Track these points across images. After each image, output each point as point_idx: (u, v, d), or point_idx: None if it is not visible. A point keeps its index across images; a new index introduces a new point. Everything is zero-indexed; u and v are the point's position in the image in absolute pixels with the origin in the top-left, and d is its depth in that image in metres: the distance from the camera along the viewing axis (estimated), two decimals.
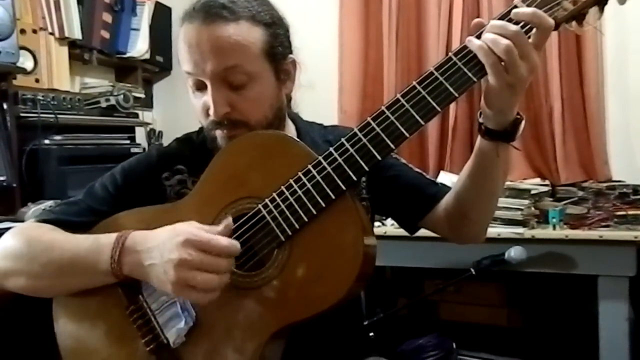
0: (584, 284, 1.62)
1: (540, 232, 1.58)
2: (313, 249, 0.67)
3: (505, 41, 0.60)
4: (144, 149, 2.05)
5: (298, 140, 0.74)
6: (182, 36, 0.75)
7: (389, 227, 1.60)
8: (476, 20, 0.65)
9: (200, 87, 0.76)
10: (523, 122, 0.68)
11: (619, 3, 0.60)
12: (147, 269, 0.68)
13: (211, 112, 0.74)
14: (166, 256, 0.65)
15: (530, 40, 0.61)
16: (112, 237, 0.71)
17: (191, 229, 0.66)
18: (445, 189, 0.85)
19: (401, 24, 2.03)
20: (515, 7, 0.62)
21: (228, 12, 0.72)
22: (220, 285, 0.65)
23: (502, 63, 0.61)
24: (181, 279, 0.64)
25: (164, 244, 0.66)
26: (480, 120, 0.70)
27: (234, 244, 0.66)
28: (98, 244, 0.72)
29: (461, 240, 0.84)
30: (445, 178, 1.73)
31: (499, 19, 0.63)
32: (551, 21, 0.61)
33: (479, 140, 0.72)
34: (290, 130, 0.84)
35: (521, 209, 1.60)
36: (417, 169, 0.89)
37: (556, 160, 1.85)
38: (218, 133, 0.76)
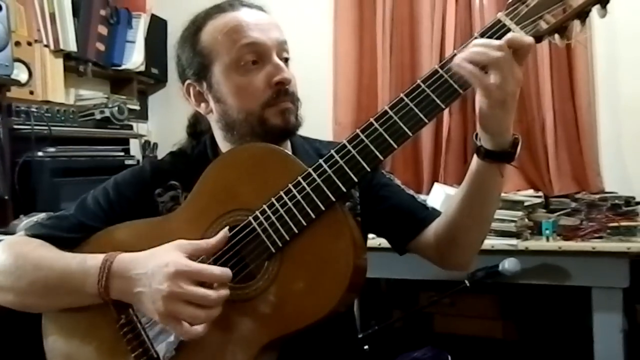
0: (578, 296, 1.62)
1: (534, 244, 1.59)
2: (303, 260, 0.67)
3: (491, 60, 0.61)
4: (138, 161, 2.04)
5: (288, 152, 0.75)
6: (223, 22, 0.77)
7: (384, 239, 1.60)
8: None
9: (261, 58, 0.76)
10: (520, 142, 0.69)
11: (599, 16, 0.61)
12: (136, 296, 0.67)
13: (279, 77, 0.75)
14: (155, 286, 0.65)
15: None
16: (98, 259, 0.71)
17: (181, 258, 0.65)
18: (435, 213, 0.84)
19: (395, 36, 2.05)
20: (499, 21, 0.63)
21: (260, 8, 0.80)
22: (208, 319, 0.64)
23: (491, 82, 0.61)
24: (169, 311, 0.64)
25: (153, 273, 0.65)
26: (479, 143, 0.70)
27: (225, 272, 0.66)
28: (85, 265, 0.71)
29: (448, 266, 0.83)
30: (440, 190, 1.73)
31: (482, 34, 0.64)
32: (528, 40, 0.61)
33: (475, 163, 0.71)
34: (285, 143, 0.84)
35: (515, 221, 1.60)
36: (410, 191, 0.88)
37: (549, 172, 1.86)
38: (275, 110, 0.75)
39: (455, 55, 0.64)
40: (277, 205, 0.68)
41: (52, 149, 1.69)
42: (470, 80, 0.62)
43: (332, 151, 0.67)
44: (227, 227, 0.69)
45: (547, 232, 1.59)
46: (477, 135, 0.70)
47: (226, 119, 0.79)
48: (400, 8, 2.05)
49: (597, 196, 1.68)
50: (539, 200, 1.75)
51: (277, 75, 0.75)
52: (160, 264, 0.65)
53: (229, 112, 0.78)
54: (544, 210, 1.73)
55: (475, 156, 0.71)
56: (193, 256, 0.67)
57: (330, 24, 2.14)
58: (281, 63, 0.77)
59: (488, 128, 0.67)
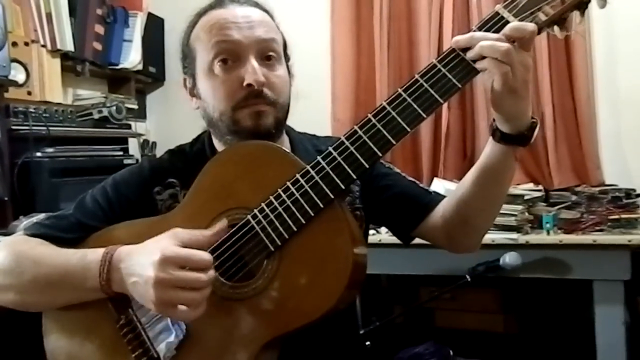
0: (579, 289, 1.62)
1: (535, 238, 1.58)
2: (302, 258, 0.66)
3: (504, 47, 0.60)
4: (137, 160, 2.04)
5: (286, 149, 0.74)
6: (207, 19, 0.77)
7: (384, 234, 1.60)
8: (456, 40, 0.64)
9: (233, 58, 0.74)
10: (537, 125, 0.69)
11: (599, 7, 0.61)
12: (131, 286, 0.67)
13: (250, 79, 0.73)
14: (145, 275, 0.64)
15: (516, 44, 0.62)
16: (99, 253, 0.71)
17: (169, 245, 0.65)
18: (439, 197, 0.84)
19: (392, 32, 2.05)
20: (497, 14, 0.63)
21: (253, 4, 0.79)
22: (203, 300, 0.64)
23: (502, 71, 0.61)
24: (162, 298, 0.63)
25: (143, 262, 0.65)
26: (495, 126, 0.69)
27: (206, 256, 0.65)
28: (85, 260, 0.71)
29: (457, 248, 0.83)
30: (439, 185, 1.73)
31: (480, 27, 0.63)
32: (531, 27, 0.61)
33: (491, 144, 0.71)
34: (284, 140, 0.84)
35: (515, 215, 1.60)
36: (410, 178, 0.88)
37: (549, 165, 1.85)
38: (246, 111, 0.74)
39: (453, 49, 0.64)
40: (275, 203, 0.67)
41: (50, 149, 1.69)
42: (492, 68, 0.61)
43: (330, 148, 0.67)
44: (225, 221, 0.68)
45: (548, 225, 1.59)
46: (494, 119, 0.69)
47: (207, 116, 0.79)
48: (397, 4, 2.04)
49: (598, 189, 1.68)
50: (539, 194, 1.75)
51: (247, 78, 0.74)
52: (149, 252, 0.65)
53: (207, 109, 0.78)
54: (544, 204, 1.73)
55: (490, 138, 0.71)
56: (187, 245, 0.66)
57: (327, 21, 2.13)
58: (255, 64, 0.74)
59: (502, 113, 0.67)
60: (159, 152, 2.31)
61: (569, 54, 1.84)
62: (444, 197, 0.83)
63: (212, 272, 0.65)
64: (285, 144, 0.83)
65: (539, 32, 0.63)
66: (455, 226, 0.79)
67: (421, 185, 0.88)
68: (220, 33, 0.75)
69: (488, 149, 0.72)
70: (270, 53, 0.77)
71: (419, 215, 0.83)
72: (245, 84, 0.74)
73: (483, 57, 0.62)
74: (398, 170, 0.89)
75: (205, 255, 0.65)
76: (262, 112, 0.75)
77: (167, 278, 0.62)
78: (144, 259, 0.65)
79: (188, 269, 0.63)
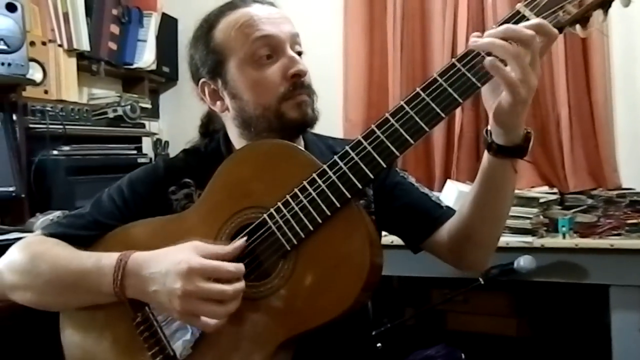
0: (594, 294, 1.59)
1: (550, 241, 1.56)
2: (319, 258, 0.66)
3: (528, 34, 0.59)
4: (151, 159, 2.05)
5: (302, 149, 0.74)
6: (235, 18, 0.77)
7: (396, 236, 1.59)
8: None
9: (275, 52, 0.76)
10: (532, 136, 0.68)
11: (623, 5, 0.60)
12: (151, 294, 0.67)
13: (296, 69, 0.75)
14: (169, 285, 0.65)
15: None
16: (113, 258, 0.71)
17: (194, 256, 0.65)
18: (450, 212, 0.82)
19: (406, 32, 2.03)
20: (518, 12, 0.62)
21: (272, 3, 0.81)
22: (228, 313, 0.64)
23: (517, 76, 0.60)
24: (187, 309, 0.64)
25: (167, 271, 0.65)
26: (490, 139, 0.68)
27: (238, 267, 0.65)
28: (100, 264, 0.71)
29: (463, 265, 0.82)
30: (452, 187, 1.72)
31: (501, 24, 0.62)
32: (555, 31, 0.60)
33: (487, 158, 0.70)
34: (298, 141, 0.84)
35: (530, 218, 1.58)
36: (424, 189, 0.87)
37: (564, 168, 1.83)
38: (292, 102, 0.75)
39: (472, 49, 0.63)
40: (292, 203, 0.67)
41: (66, 148, 1.70)
42: (502, 78, 0.60)
43: (347, 148, 0.66)
44: (243, 239, 0.69)
45: (564, 229, 1.57)
46: (487, 131, 0.69)
47: (243, 115, 0.78)
48: (411, 4, 2.03)
49: (615, 192, 1.65)
50: (554, 197, 1.73)
51: (292, 68, 0.75)
52: (174, 262, 0.65)
53: (246, 108, 0.77)
54: (559, 207, 1.71)
55: (486, 152, 0.70)
56: (207, 258, 0.66)
57: (340, 21, 2.13)
58: (296, 55, 0.77)
59: (504, 124, 0.66)
60: (172, 151, 2.34)
61: (586, 53, 1.81)
62: (455, 211, 0.82)
63: (239, 285, 0.65)
64: (299, 143, 0.83)
65: (561, 32, 0.62)
66: (459, 243, 0.78)
67: (433, 198, 0.86)
68: (259, 29, 0.76)
69: (485, 163, 0.71)
70: (298, 48, 0.79)
71: (428, 228, 0.82)
72: (291, 73, 0.75)
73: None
74: (412, 180, 0.88)
75: (231, 267, 0.65)
76: (305, 102, 0.76)
77: (194, 290, 0.63)
78: (167, 268, 0.66)
79: (214, 280, 0.64)
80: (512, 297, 1.83)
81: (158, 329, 0.72)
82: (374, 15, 2.10)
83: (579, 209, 1.66)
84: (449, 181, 1.82)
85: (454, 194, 1.66)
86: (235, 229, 0.71)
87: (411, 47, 2.04)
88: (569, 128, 1.81)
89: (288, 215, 0.67)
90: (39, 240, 0.80)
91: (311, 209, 0.66)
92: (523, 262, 1.50)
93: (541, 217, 1.63)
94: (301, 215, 0.66)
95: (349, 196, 0.65)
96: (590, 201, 1.67)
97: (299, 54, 0.79)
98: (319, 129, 0.91)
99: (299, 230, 0.66)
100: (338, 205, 0.65)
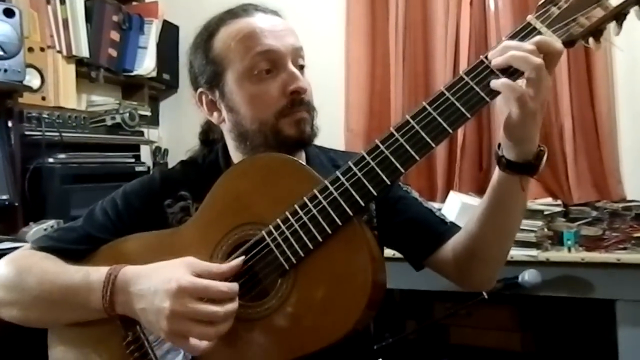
0: (600, 308, 1.56)
1: (555, 255, 1.54)
2: (319, 277, 0.63)
3: (537, 61, 0.58)
4: (149, 167, 2.03)
5: (303, 163, 0.72)
6: (237, 28, 0.74)
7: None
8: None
9: (275, 66, 0.73)
10: (545, 154, 0.65)
11: (638, 18, 0.57)
12: (139, 312, 0.64)
13: (295, 85, 0.72)
14: (157, 304, 0.61)
15: None
16: (102, 272, 0.68)
17: (186, 274, 0.62)
18: (455, 228, 0.80)
19: (408, 42, 2.02)
20: (529, 24, 0.60)
21: (275, 12, 0.78)
22: (218, 335, 0.61)
23: (528, 92, 0.58)
24: (175, 330, 0.61)
25: (155, 290, 0.62)
26: (500, 153, 0.66)
27: (232, 287, 0.62)
28: (88, 279, 0.69)
29: (467, 283, 0.79)
30: (455, 198, 1.69)
31: (510, 38, 0.61)
32: (560, 46, 0.58)
33: (497, 173, 0.68)
34: (300, 154, 0.81)
35: (534, 231, 1.55)
36: (427, 205, 0.84)
37: (568, 180, 1.80)
38: (289, 119, 0.72)
39: (481, 60, 0.61)
40: (292, 220, 0.64)
41: (62, 155, 1.68)
42: (509, 93, 0.59)
43: (351, 163, 0.64)
44: (241, 258, 0.66)
45: (569, 242, 1.54)
46: (499, 145, 0.66)
47: (239, 129, 0.76)
48: (413, 14, 2.02)
49: (621, 205, 1.62)
50: (558, 209, 1.70)
51: (292, 84, 0.72)
52: (164, 280, 0.62)
53: (242, 122, 0.75)
54: (564, 220, 1.68)
55: (497, 168, 0.68)
56: (201, 277, 0.63)
57: (342, 31, 2.11)
58: (296, 71, 0.74)
59: (513, 136, 0.64)
60: (171, 159, 2.31)
61: (589, 64, 1.80)
62: (459, 228, 0.79)
63: (231, 306, 0.62)
64: (300, 156, 0.81)
65: (573, 45, 0.60)
66: (464, 260, 0.75)
67: (438, 213, 0.83)
68: (260, 42, 0.73)
69: (495, 179, 0.69)
70: (301, 61, 0.76)
71: (431, 245, 0.79)
72: (290, 90, 0.72)
73: (509, 67, 0.59)
74: (416, 195, 0.85)
75: (223, 287, 0.62)
76: (304, 119, 0.74)
77: (182, 311, 0.60)
78: (155, 286, 0.63)
79: (206, 300, 0.61)
80: (517, 311, 1.80)
81: (149, 349, 0.69)
82: (376, 25, 2.09)
83: (584, 221, 1.63)
84: (452, 192, 1.79)
85: (457, 205, 1.63)
86: (233, 246, 0.68)
87: (413, 57, 2.02)
88: (572, 139, 1.79)
89: (287, 233, 0.64)
90: (26, 254, 0.77)
91: (311, 227, 0.63)
92: (528, 276, 1.48)
93: (545, 229, 1.60)
94: (301, 233, 0.63)
95: (351, 214, 0.62)
96: (595, 213, 1.64)
97: (302, 67, 0.76)
98: (320, 139, 0.88)
99: (298, 249, 0.64)
100: (339, 223, 0.62)
